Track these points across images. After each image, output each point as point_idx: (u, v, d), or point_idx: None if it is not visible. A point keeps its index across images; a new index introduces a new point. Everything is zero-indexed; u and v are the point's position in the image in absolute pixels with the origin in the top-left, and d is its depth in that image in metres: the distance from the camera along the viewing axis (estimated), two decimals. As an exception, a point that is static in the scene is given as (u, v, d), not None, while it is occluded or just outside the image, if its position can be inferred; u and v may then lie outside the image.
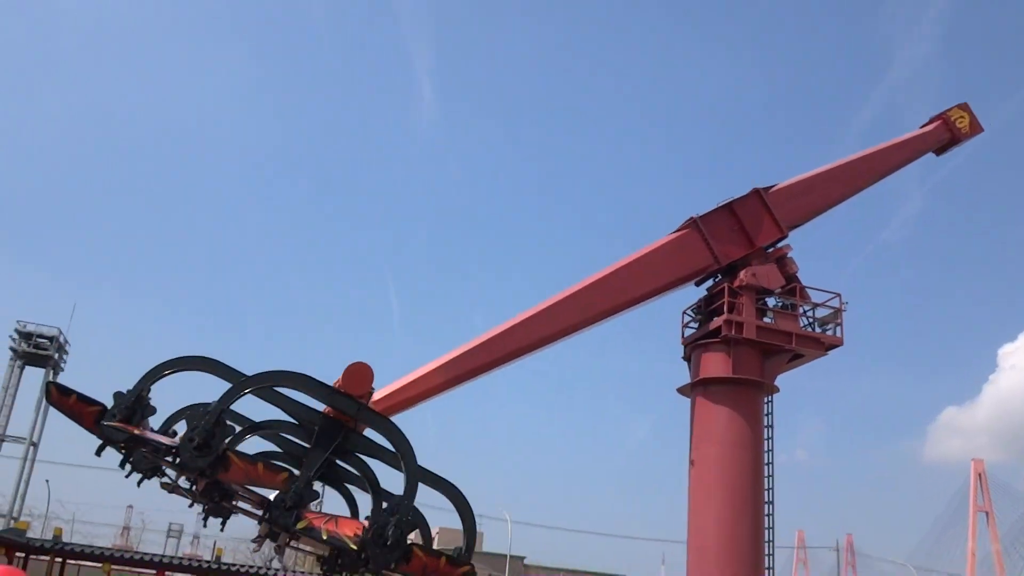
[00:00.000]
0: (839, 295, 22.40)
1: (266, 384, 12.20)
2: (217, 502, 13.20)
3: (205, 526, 14.75)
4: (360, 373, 12.84)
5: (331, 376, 13.08)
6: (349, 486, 13.94)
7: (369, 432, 12.69)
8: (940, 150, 26.35)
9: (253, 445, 13.47)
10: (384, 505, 11.52)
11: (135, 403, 12.28)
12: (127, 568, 47.06)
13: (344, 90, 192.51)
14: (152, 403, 12.53)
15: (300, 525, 10.83)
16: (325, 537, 10.80)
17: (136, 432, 11.75)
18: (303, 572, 44.76)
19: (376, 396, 15.72)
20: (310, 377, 12.02)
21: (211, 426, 11.14)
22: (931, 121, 26.03)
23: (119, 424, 11.98)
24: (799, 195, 22.92)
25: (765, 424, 21.60)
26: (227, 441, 11.41)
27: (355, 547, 10.73)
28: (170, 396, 13.08)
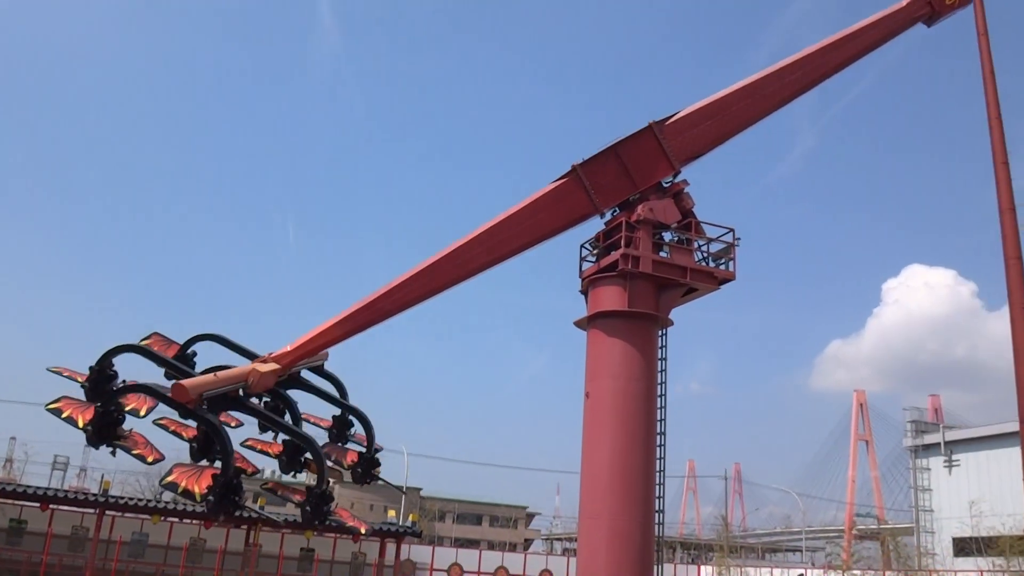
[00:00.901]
0: (732, 230, 22.75)
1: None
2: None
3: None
4: (178, 389, 15.43)
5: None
6: None
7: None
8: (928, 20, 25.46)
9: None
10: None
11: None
12: (10, 501, 45.55)
13: (237, 20, 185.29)
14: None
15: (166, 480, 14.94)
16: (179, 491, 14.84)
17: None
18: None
19: (287, 347, 18.03)
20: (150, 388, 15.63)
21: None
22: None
23: None
24: (703, 120, 22.30)
25: (659, 357, 21.94)
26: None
27: (199, 498, 14.72)
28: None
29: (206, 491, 14.65)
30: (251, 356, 17.61)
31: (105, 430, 15.27)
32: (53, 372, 16.48)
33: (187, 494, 14.69)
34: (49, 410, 15.19)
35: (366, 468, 18.47)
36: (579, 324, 22.55)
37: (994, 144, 27.56)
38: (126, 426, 15.72)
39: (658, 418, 21.64)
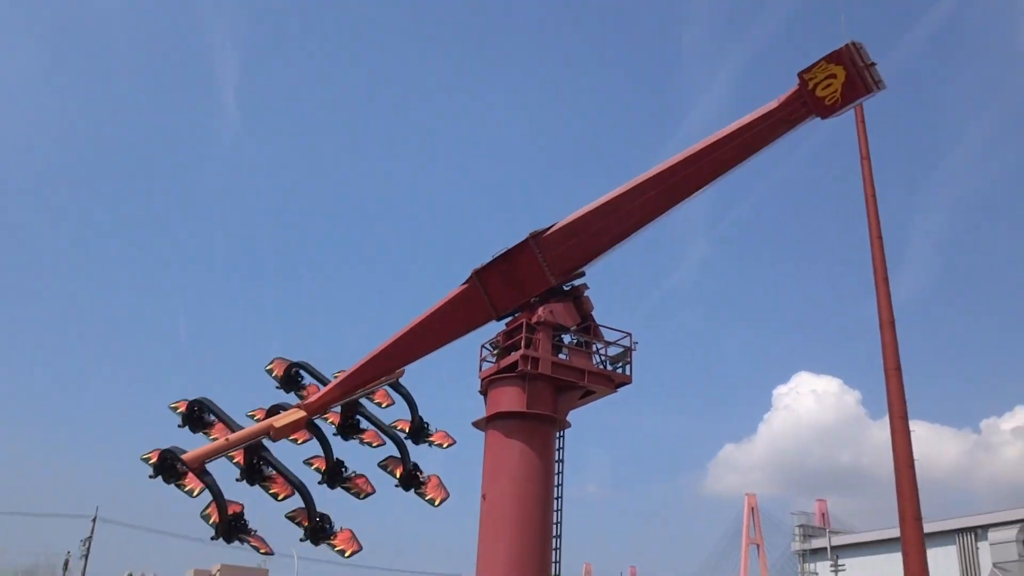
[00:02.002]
0: (630, 335, 23.23)
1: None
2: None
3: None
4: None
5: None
6: None
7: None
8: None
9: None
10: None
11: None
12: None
13: (143, 89, 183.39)
14: None
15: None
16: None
17: None
18: None
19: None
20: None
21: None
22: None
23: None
24: (567, 239, 21.10)
25: (556, 459, 21.96)
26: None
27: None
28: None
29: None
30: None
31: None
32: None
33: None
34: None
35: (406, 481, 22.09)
36: (477, 425, 22.44)
37: (875, 262, 29.26)
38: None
39: (554, 520, 21.50)
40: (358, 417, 22.95)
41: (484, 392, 22.55)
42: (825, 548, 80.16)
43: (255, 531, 19.82)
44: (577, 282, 23.01)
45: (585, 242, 21.18)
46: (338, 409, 22.81)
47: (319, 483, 21.57)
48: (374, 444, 22.80)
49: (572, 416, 22.47)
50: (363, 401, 23.00)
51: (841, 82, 17.62)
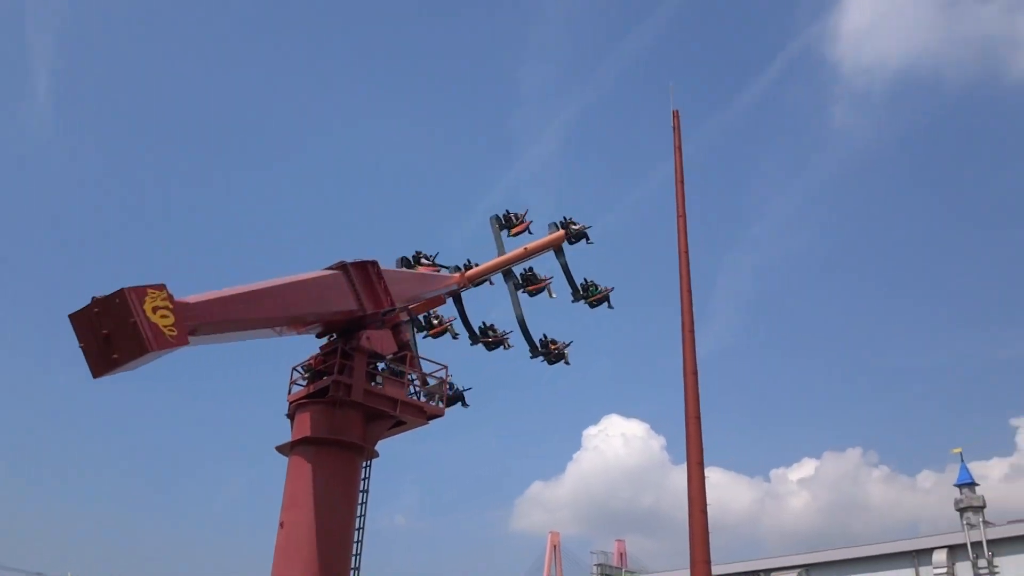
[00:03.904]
0: (446, 367, 23.33)
1: None
2: None
3: None
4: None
5: None
6: None
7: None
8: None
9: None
10: None
11: None
12: None
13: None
14: None
15: None
16: None
17: None
18: None
19: None
20: None
21: None
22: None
23: None
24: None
25: (361, 488, 21.58)
26: None
27: None
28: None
29: None
30: None
31: None
32: None
33: None
34: None
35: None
36: (281, 449, 21.70)
37: (683, 314, 30.75)
38: None
39: (354, 552, 21.06)
40: None
41: (291, 415, 21.90)
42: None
43: None
44: (398, 311, 22.99)
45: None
46: None
47: None
48: None
49: (383, 445, 22.22)
50: None
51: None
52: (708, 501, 29.38)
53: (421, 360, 23.25)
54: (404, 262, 30.72)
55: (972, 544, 40.60)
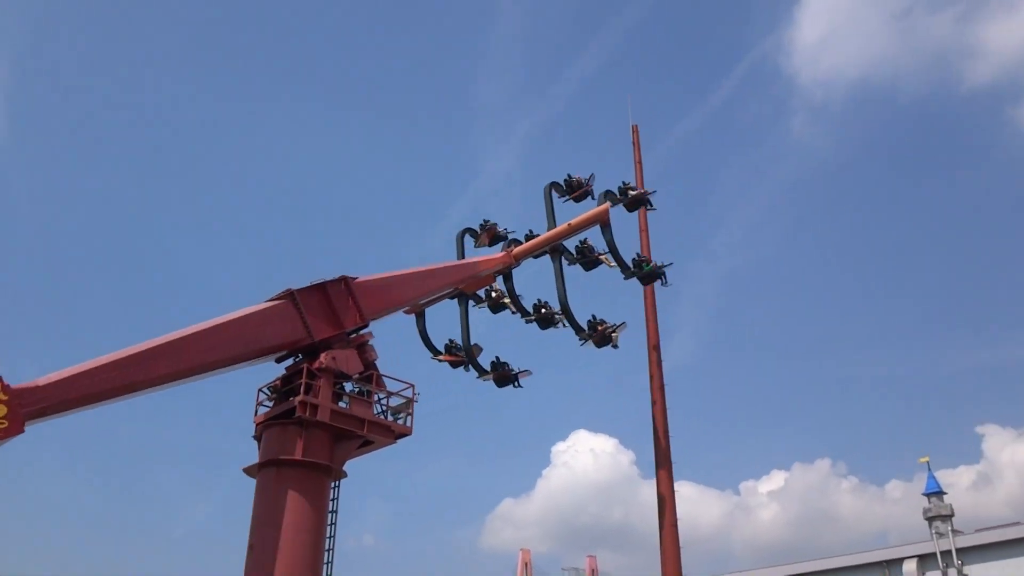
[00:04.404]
0: (413, 386, 23.38)
1: None
2: None
3: None
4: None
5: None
6: None
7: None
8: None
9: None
10: None
11: None
12: None
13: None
14: None
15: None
16: None
17: None
18: None
19: None
20: None
21: None
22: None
23: None
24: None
25: (330, 509, 21.54)
26: None
27: None
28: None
29: None
30: None
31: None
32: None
33: None
34: None
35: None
36: (249, 471, 21.63)
37: (649, 335, 31.19)
38: None
39: (325, 573, 20.99)
40: None
41: (258, 437, 21.84)
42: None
43: None
44: (363, 331, 23.05)
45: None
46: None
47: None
48: None
49: (351, 464, 22.22)
50: None
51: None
52: (678, 515, 29.73)
53: (387, 379, 23.30)
54: (470, 232, 32.29)
55: (942, 553, 41.09)
